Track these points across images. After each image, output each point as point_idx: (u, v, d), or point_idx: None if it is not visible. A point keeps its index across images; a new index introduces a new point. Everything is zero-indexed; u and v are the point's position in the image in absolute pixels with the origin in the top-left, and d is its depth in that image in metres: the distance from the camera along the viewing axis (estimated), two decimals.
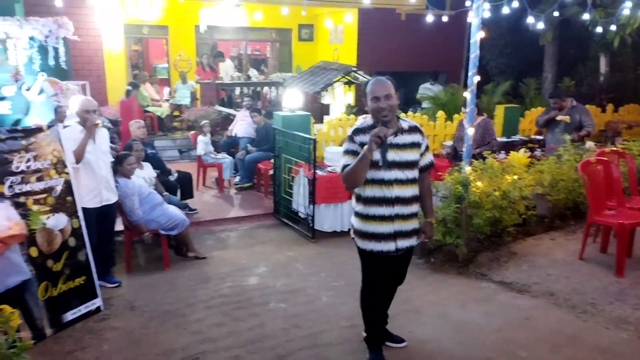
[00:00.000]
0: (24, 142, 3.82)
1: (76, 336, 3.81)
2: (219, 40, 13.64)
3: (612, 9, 9.06)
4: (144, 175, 5.56)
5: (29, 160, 3.81)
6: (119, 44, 10.03)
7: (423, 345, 3.69)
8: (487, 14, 5.15)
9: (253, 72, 13.06)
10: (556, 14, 8.14)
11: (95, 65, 9.82)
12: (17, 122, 6.83)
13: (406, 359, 3.52)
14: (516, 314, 4.11)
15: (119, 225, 4.99)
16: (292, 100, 7.25)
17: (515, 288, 4.56)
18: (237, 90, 11.58)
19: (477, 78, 5.03)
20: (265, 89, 12.01)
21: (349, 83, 10.14)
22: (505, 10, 7.18)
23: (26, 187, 3.77)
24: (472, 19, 4.98)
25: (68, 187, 4.06)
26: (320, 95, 9.77)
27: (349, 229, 3.32)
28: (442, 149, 7.49)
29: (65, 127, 4.41)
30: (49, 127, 4.09)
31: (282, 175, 6.62)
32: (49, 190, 3.92)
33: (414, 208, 3.14)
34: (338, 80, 9.66)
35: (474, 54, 4.99)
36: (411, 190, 3.08)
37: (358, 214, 3.13)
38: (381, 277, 3.22)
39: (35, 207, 3.79)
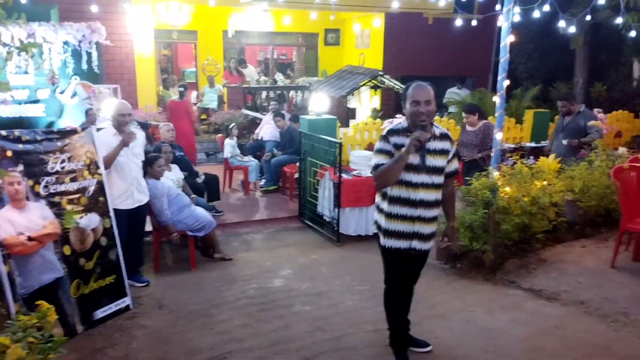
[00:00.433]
0: (59, 143, 3.93)
1: (106, 333, 3.90)
2: (246, 45, 13.81)
3: None
4: (172, 177, 5.66)
5: (63, 161, 3.93)
6: (149, 48, 10.24)
7: (449, 351, 3.66)
8: (517, 18, 5.07)
9: (279, 76, 13.16)
10: (588, 17, 7.98)
11: (126, 69, 10.03)
12: (51, 124, 7.03)
13: None
14: (545, 322, 4.03)
15: (147, 226, 5.08)
16: (318, 104, 7.29)
17: (544, 296, 4.48)
18: (264, 94, 11.68)
19: (506, 82, 4.97)
20: (292, 93, 12.08)
21: (375, 87, 10.14)
22: (536, 14, 7.07)
23: (60, 188, 3.87)
24: (502, 22, 4.93)
25: (100, 188, 4.17)
26: (347, 99, 9.80)
27: (374, 233, 3.37)
28: None
29: (98, 129, 4.51)
30: (83, 129, 4.21)
31: (307, 179, 6.65)
32: (82, 190, 4.03)
33: (435, 212, 3.22)
34: (364, 85, 9.67)
35: (504, 58, 4.93)
36: (435, 195, 3.17)
37: (382, 212, 3.22)
38: (401, 273, 3.33)
39: (69, 207, 3.90)
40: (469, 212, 4.96)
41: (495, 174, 4.98)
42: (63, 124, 6.93)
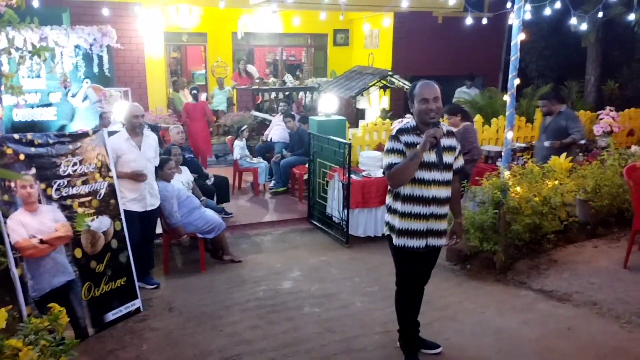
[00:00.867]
0: (71, 146, 3.97)
1: (117, 336, 3.93)
2: (255, 47, 13.84)
3: None
4: (182, 179, 5.69)
5: (75, 164, 3.97)
6: (159, 51, 10.32)
7: (460, 352, 3.64)
8: (527, 16, 5.03)
9: (288, 77, 13.17)
10: (600, 14, 7.90)
11: (136, 72, 10.13)
12: (62, 127, 7.11)
13: None
14: (557, 324, 3.99)
15: (157, 228, 5.11)
16: (327, 104, 7.29)
17: (555, 297, 4.43)
18: (272, 95, 11.71)
19: (517, 81, 4.93)
20: (301, 94, 12.10)
21: (384, 87, 10.12)
22: (547, 11, 7.01)
23: (72, 190, 3.91)
24: (513, 20, 4.89)
25: (111, 190, 4.20)
26: (356, 99, 9.79)
27: (383, 234, 3.35)
28: None
29: (110, 133, 4.55)
30: (94, 132, 4.25)
31: (316, 180, 6.65)
32: (93, 193, 4.07)
33: (446, 209, 3.26)
34: (373, 85, 9.65)
35: (515, 56, 4.89)
36: (446, 192, 3.20)
37: (396, 212, 3.22)
38: (414, 272, 3.35)
39: (80, 210, 3.94)
40: (479, 212, 4.93)
41: (506, 173, 4.95)
42: (75, 127, 7.00)
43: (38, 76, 6.98)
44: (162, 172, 5.07)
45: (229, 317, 4.21)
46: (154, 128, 7.97)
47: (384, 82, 9.72)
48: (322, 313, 4.28)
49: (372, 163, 6.41)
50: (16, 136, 3.69)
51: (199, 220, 5.23)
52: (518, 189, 4.91)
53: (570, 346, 3.68)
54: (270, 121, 9.54)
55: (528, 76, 12.55)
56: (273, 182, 8.21)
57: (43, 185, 3.74)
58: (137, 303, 4.29)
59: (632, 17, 7.73)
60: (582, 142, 6.39)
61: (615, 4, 8.67)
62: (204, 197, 5.93)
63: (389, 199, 3.31)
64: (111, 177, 4.21)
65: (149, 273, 4.86)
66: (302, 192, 7.57)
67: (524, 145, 7.77)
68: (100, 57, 7.69)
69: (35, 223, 3.60)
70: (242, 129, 8.41)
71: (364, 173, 6.30)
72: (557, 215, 5.03)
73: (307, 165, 7.03)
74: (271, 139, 8.85)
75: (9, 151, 3.59)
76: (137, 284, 4.33)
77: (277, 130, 8.77)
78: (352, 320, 4.15)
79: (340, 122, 6.92)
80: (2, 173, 3.44)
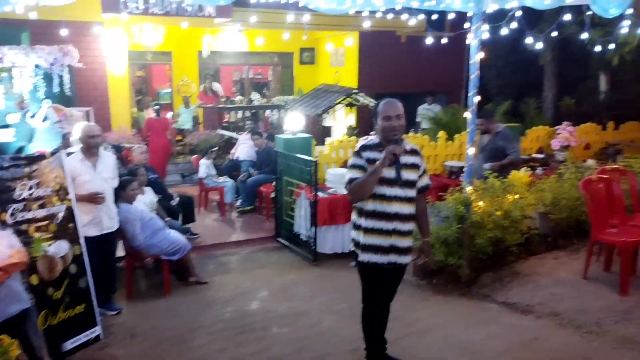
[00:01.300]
0: (26, 169, 3.85)
1: None
2: (222, 65, 13.81)
3: (610, 28, 9.13)
4: (146, 200, 5.58)
5: (31, 187, 3.84)
6: (122, 70, 10.17)
7: None
8: (486, 35, 5.21)
9: (255, 96, 13.18)
10: (555, 33, 8.21)
11: (99, 92, 9.93)
12: (21, 149, 6.89)
13: None
14: (521, 335, 4.06)
15: (119, 251, 4.99)
16: (293, 122, 7.31)
17: (519, 308, 4.51)
18: (239, 114, 11.69)
19: (477, 98, 5.08)
20: (267, 112, 12.11)
21: (350, 105, 10.22)
22: (504, 31, 7.24)
23: (28, 215, 3.78)
24: (471, 40, 5.04)
25: (70, 214, 4.08)
26: (322, 117, 9.85)
27: (351, 250, 3.36)
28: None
29: (69, 154, 4.44)
30: (52, 154, 4.13)
31: (283, 198, 6.63)
32: (50, 217, 3.93)
33: (410, 226, 3.28)
34: (339, 103, 9.74)
35: (474, 74, 5.05)
36: (408, 208, 3.23)
37: (360, 228, 3.26)
38: (379, 289, 3.36)
39: (37, 235, 3.80)
40: (443, 227, 5.00)
41: (469, 188, 5.05)
42: (34, 148, 6.79)
43: None
44: (125, 193, 4.96)
45: (195, 340, 4.12)
46: (118, 148, 7.85)
47: (350, 100, 9.83)
48: (291, 333, 4.24)
49: (338, 180, 6.44)
50: None
51: (163, 241, 5.13)
52: (480, 203, 5.01)
53: (535, 357, 3.74)
54: (236, 140, 9.50)
55: (489, 93, 12.92)
56: (240, 200, 8.14)
57: None
58: (97, 330, 4.14)
59: (585, 36, 8.07)
60: (519, 161, 6.14)
61: (569, 24, 9.03)
62: (168, 218, 5.83)
63: (354, 215, 3.34)
64: (70, 200, 4.09)
65: (110, 298, 4.72)
66: (270, 211, 7.53)
67: None
68: (61, 77, 7.53)
69: None
70: (213, 149, 8.35)
71: (330, 190, 6.32)
72: (518, 228, 5.15)
73: (274, 184, 7.00)
74: (238, 157, 8.80)
75: None
76: (97, 310, 4.18)
77: (244, 149, 8.73)
78: (320, 339, 4.12)
79: (306, 139, 6.95)
80: None
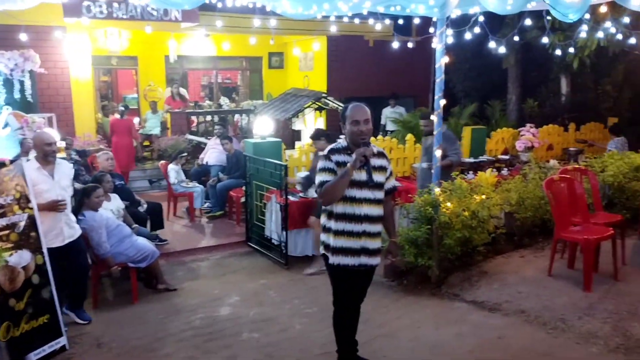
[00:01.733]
0: None
1: None
2: (189, 70, 13.68)
3: (570, 32, 9.43)
4: (112, 207, 5.47)
5: None
6: (86, 75, 9.96)
7: None
8: (450, 40, 5.30)
9: (224, 100, 13.09)
10: (516, 38, 8.44)
11: (62, 98, 9.71)
12: None
13: None
14: (489, 334, 4.13)
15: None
16: (263, 127, 7.29)
17: (487, 307, 4.59)
18: (208, 118, 11.59)
19: (443, 102, 5.16)
20: (237, 116, 12.04)
21: (319, 109, 10.27)
22: (468, 35, 7.40)
23: None
24: (436, 44, 5.13)
25: (32, 223, 3.96)
26: (292, 121, 9.85)
27: (322, 254, 3.37)
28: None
29: (28, 160, 4.31)
30: (12, 161, 4.01)
31: (253, 202, 6.60)
32: (11, 226, 3.81)
33: (379, 227, 3.32)
34: (309, 107, 9.78)
35: (440, 78, 5.13)
36: (377, 210, 3.27)
37: (330, 230, 3.27)
38: (349, 291, 3.37)
39: None
40: (412, 228, 5.05)
41: (437, 190, 5.12)
42: None
43: None
44: (89, 201, 4.85)
45: (163, 349, 4.04)
46: (82, 154, 7.68)
47: (319, 104, 9.87)
48: (261, 338, 4.21)
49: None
50: None
51: (130, 249, 5.03)
52: (448, 204, 5.08)
53: (502, 356, 3.81)
54: (205, 144, 9.41)
55: (455, 96, 13.14)
56: (207, 204, 8.06)
57: None
58: (62, 341, 4.02)
59: (546, 40, 8.31)
60: (459, 163, 6.02)
61: (531, 28, 9.28)
62: (135, 225, 5.72)
63: (323, 218, 3.35)
64: (31, 209, 3.97)
65: (81, 306, 4.59)
66: (240, 215, 7.47)
67: None
68: (22, 83, 7.35)
69: None
70: (182, 154, 8.25)
71: (301, 194, 6.32)
72: (485, 228, 5.24)
73: (244, 188, 6.96)
74: (207, 162, 8.71)
75: None
76: (62, 320, 4.05)
77: (213, 154, 8.65)
78: (291, 343, 4.10)
79: (275, 144, 6.93)
80: None
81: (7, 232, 3.77)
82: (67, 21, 8.92)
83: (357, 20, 6.18)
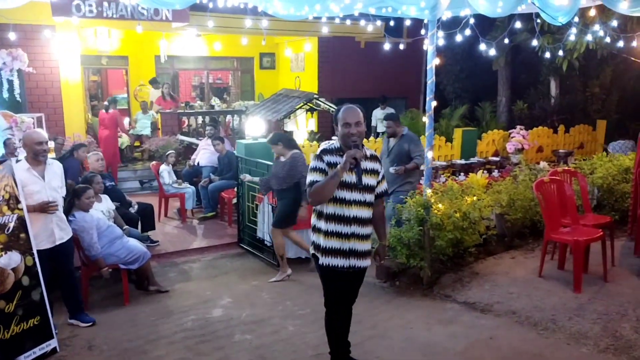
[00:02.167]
0: None
1: None
2: (180, 70, 13.62)
3: (559, 35, 9.53)
4: (103, 208, 5.43)
5: None
6: (76, 75, 9.87)
7: None
8: (441, 42, 5.33)
9: (215, 101, 13.04)
10: (506, 40, 8.51)
11: (51, 97, 9.62)
12: None
13: None
14: (480, 334, 4.15)
15: (76, 261, 4.82)
16: (254, 128, 7.28)
17: (478, 308, 4.62)
18: (199, 119, 11.54)
19: (434, 103, 5.18)
20: (228, 117, 12.00)
21: (311, 110, 10.27)
22: (458, 37, 7.45)
23: None
24: (427, 46, 5.15)
25: (21, 224, 3.92)
26: (283, 122, 9.84)
27: (312, 254, 3.38)
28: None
29: (17, 161, 4.26)
30: (1, 162, 3.96)
31: (245, 204, 6.58)
32: (1, 227, 3.77)
33: (369, 230, 3.33)
34: (300, 108, 9.77)
35: (431, 79, 5.15)
36: (367, 212, 3.28)
37: (320, 231, 3.28)
38: (340, 292, 3.37)
39: None
40: (405, 229, 5.07)
41: (428, 191, 5.14)
42: None
43: None
44: (80, 202, 4.81)
45: (155, 351, 4.02)
46: (76, 147, 7.37)
47: (310, 105, 9.87)
48: (254, 340, 4.20)
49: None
50: None
51: (121, 250, 5.00)
52: (440, 205, 5.11)
53: (493, 356, 3.83)
54: (197, 145, 9.37)
55: (446, 98, 13.23)
56: (196, 205, 8.04)
57: None
58: (53, 343, 3.99)
59: (535, 42, 8.40)
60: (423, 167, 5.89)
61: (520, 31, 9.37)
62: (126, 226, 5.69)
63: (313, 218, 3.36)
64: (21, 210, 3.93)
65: (81, 309, 4.54)
66: (232, 217, 7.45)
67: (444, 163, 8.14)
68: (10, 82, 7.27)
69: None
70: (168, 154, 8.21)
71: None
72: (476, 230, 5.28)
73: (235, 189, 6.94)
74: (198, 163, 8.68)
75: None
76: (52, 322, 4.02)
77: (205, 154, 8.62)
78: (284, 345, 4.09)
79: (267, 145, 6.91)
80: None
81: None
82: (56, 20, 8.84)
83: (348, 22, 6.19)
